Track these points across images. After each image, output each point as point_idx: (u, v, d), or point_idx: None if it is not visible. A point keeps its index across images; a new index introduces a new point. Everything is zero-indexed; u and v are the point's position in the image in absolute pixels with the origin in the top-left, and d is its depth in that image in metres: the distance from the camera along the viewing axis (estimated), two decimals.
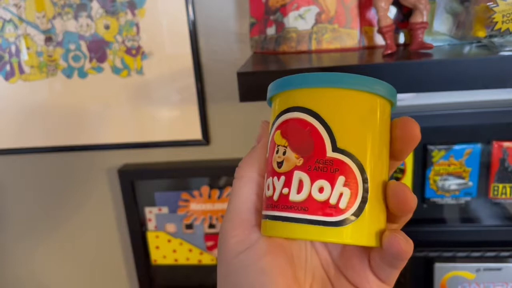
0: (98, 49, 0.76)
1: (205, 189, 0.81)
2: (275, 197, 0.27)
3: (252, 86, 0.51)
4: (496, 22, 0.47)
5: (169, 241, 0.85)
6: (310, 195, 0.26)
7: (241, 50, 0.74)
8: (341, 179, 0.26)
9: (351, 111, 0.26)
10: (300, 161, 0.26)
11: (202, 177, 0.81)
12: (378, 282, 0.30)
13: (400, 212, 0.27)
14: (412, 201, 0.26)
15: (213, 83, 0.76)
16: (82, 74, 0.78)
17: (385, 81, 0.28)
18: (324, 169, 0.26)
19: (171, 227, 0.85)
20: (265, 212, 0.28)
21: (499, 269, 0.74)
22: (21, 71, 0.79)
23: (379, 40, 0.59)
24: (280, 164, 0.27)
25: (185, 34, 0.73)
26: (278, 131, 0.28)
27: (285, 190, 0.26)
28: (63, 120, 0.81)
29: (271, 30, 0.62)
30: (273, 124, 0.29)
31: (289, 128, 0.27)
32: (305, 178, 0.26)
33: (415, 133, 0.28)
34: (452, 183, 0.72)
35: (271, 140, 0.28)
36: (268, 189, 0.27)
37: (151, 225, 0.85)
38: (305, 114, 0.27)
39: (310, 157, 0.26)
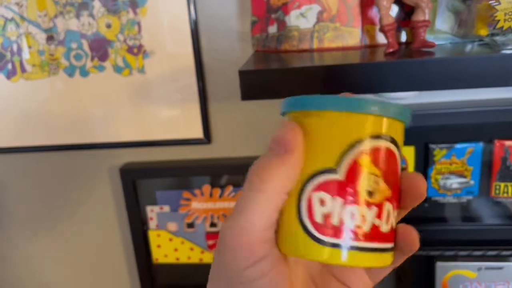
0: (99, 48, 0.76)
1: (206, 188, 0.81)
2: (366, 228, 0.26)
3: (254, 85, 0.51)
4: (498, 21, 0.47)
5: (170, 239, 0.86)
6: (391, 225, 0.27)
7: (242, 48, 0.74)
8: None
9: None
10: (389, 193, 0.26)
11: (203, 176, 0.81)
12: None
13: (414, 203, 0.28)
14: (425, 187, 0.27)
15: (215, 81, 0.76)
16: (84, 73, 0.78)
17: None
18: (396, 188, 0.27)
19: (172, 226, 0.85)
20: (349, 243, 0.26)
21: (500, 268, 0.74)
22: (23, 69, 0.79)
23: (381, 38, 0.59)
24: (371, 194, 0.26)
25: (187, 33, 0.73)
26: (369, 158, 0.26)
27: (377, 222, 0.26)
28: (64, 119, 0.81)
29: (272, 29, 0.62)
30: (350, 146, 0.26)
31: (381, 157, 0.26)
32: (391, 209, 0.27)
33: (421, 192, 0.27)
34: (454, 182, 0.72)
35: (352, 163, 0.26)
36: (352, 218, 0.26)
37: (152, 223, 0.85)
38: (393, 145, 0.27)
39: (396, 189, 0.27)
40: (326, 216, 0.26)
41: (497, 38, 0.48)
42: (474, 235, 0.72)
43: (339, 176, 0.26)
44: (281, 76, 0.48)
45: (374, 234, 0.26)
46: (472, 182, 0.72)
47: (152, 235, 0.86)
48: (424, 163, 0.73)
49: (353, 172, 0.26)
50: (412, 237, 0.28)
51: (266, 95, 0.51)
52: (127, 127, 0.80)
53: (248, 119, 0.78)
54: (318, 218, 0.26)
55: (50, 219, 0.90)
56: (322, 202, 0.26)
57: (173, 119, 0.78)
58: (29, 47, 0.77)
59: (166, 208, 0.84)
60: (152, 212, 0.85)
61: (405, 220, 0.29)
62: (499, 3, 0.47)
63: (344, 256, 0.26)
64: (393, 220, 0.27)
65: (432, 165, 0.72)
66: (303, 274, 0.31)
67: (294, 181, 0.26)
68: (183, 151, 0.81)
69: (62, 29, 0.76)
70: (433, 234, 0.73)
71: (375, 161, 0.26)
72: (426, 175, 0.73)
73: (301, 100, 0.28)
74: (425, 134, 0.71)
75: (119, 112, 0.79)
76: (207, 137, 0.78)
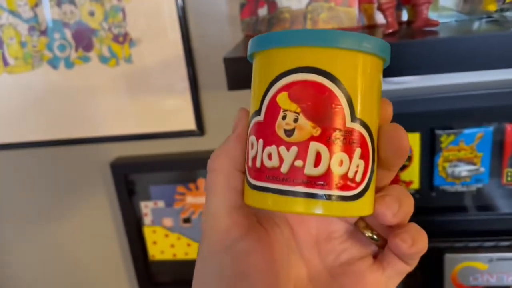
0: (83, 38, 0.72)
1: (201, 181, 0.77)
2: (284, 170, 0.23)
3: (241, 73, 0.47)
4: None
5: (166, 235, 0.82)
6: (329, 168, 0.23)
7: (234, 33, 0.69)
8: (358, 151, 0.24)
9: (366, 77, 0.24)
10: (317, 131, 0.23)
11: (197, 169, 0.77)
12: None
13: (396, 158, 0.25)
14: (407, 140, 0.25)
15: (206, 70, 0.72)
16: (69, 64, 0.74)
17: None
18: (344, 140, 0.23)
19: (168, 221, 0.82)
20: (264, 184, 0.24)
21: None
22: (5, 63, 0.75)
23: (379, 18, 0.54)
24: (289, 132, 0.23)
25: (174, 18, 0.69)
26: (284, 93, 0.24)
27: (298, 163, 0.23)
28: (50, 114, 0.77)
29: (262, 11, 0.57)
30: (270, 84, 0.24)
31: (300, 92, 0.23)
32: (324, 150, 0.23)
33: (402, 143, 0.25)
34: (463, 170, 0.67)
35: (270, 101, 0.24)
36: (270, 159, 0.24)
37: (147, 219, 0.82)
38: (321, 77, 0.23)
39: (329, 127, 0.23)
40: (253, 159, 0.25)
41: (507, 14, 0.44)
42: (484, 225, 0.68)
43: (261, 117, 0.25)
44: None
45: (293, 176, 0.23)
46: (482, 169, 0.67)
47: (148, 232, 0.83)
48: (430, 151, 0.68)
49: (270, 111, 0.24)
50: (399, 140, 0.25)
51: None
52: (115, 120, 0.76)
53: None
54: (249, 163, 0.25)
55: (41, 217, 0.87)
56: (252, 146, 0.25)
57: (163, 110, 0.74)
58: (11, 38, 0.73)
59: (161, 204, 0.81)
60: (147, 207, 0.81)
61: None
62: None
63: (269, 200, 0.24)
64: (326, 164, 0.23)
65: (439, 152, 0.67)
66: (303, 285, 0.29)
67: (238, 158, 0.27)
68: (176, 144, 0.77)
69: (44, 18, 0.72)
70: (441, 225, 0.69)
71: (291, 96, 0.24)
72: (432, 163, 0.68)
73: (251, 43, 0.27)
74: (430, 119, 0.67)
75: (107, 105, 0.75)
76: (200, 128, 0.74)
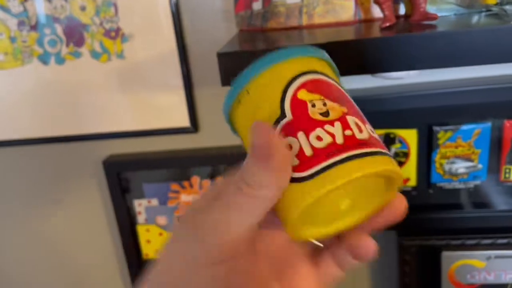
0: (74, 33, 0.71)
1: (195, 179, 0.76)
2: (339, 141, 0.25)
3: (235, 68, 0.46)
4: None
5: (160, 234, 0.81)
6: (369, 133, 0.26)
7: (228, 29, 0.68)
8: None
9: (334, 71, 0.33)
10: (345, 109, 0.27)
11: (191, 167, 0.76)
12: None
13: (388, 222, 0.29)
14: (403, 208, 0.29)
15: (200, 65, 0.70)
16: (60, 60, 0.72)
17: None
18: (359, 112, 0.28)
19: (162, 220, 0.81)
20: (327, 163, 0.25)
21: (511, 256, 0.69)
22: None
23: (377, 12, 0.53)
24: (325, 114, 0.26)
25: (167, 13, 0.68)
26: (303, 90, 0.27)
27: (348, 132, 0.26)
28: (41, 111, 0.76)
29: (257, 5, 0.56)
30: (284, 90, 0.28)
31: (315, 86, 0.28)
32: (358, 121, 0.26)
33: (398, 213, 0.29)
34: (460, 166, 0.67)
35: (292, 101, 0.27)
36: (321, 139, 0.25)
37: (141, 218, 0.81)
38: (321, 75, 0.29)
39: (351, 105, 0.28)
40: (299, 155, 0.26)
41: (507, 7, 0.43)
42: (482, 222, 0.67)
43: (288, 117, 0.27)
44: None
45: (351, 143, 0.25)
46: (480, 166, 0.66)
47: (141, 230, 0.81)
48: (427, 147, 0.67)
49: (296, 108, 0.27)
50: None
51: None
52: (108, 117, 0.74)
53: None
54: (295, 162, 0.26)
55: (34, 215, 0.85)
56: (289, 147, 0.26)
57: (157, 107, 0.73)
58: (0, 33, 0.72)
59: (155, 202, 0.79)
60: (140, 206, 0.80)
61: (409, 207, 0.29)
62: None
63: (334, 175, 0.24)
64: (367, 131, 0.26)
65: (436, 149, 0.66)
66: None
67: (284, 184, 0.25)
68: (169, 141, 0.76)
69: (33, 13, 0.70)
70: (438, 222, 0.68)
71: (310, 90, 0.27)
72: (430, 160, 0.67)
73: (235, 83, 0.30)
74: (428, 115, 0.66)
75: (99, 101, 0.74)
76: (194, 125, 0.73)
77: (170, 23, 0.68)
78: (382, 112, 0.65)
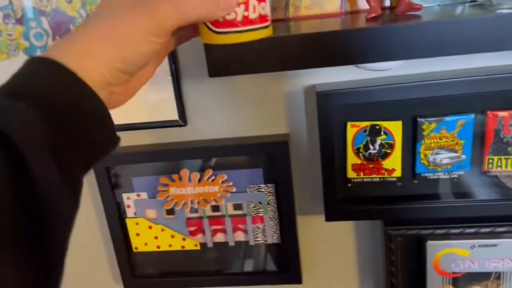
0: (61, 26, 0.70)
1: (184, 172, 0.76)
2: (239, 19, 0.41)
3: (223, 59, 0.46)
4: None
5: (150, 227, 0.81)
6: (259, 13, 0.42)
7: None
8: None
9: None
10: None
11: (180, 160, 0.76)
12: None
13: None
14: None
15: (188, 58, 0.71)
16: None
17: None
18: None
19: (151, 213, 0.81)
20: (226, 29, 0.41)
21: (495, 245, 0.71)
22: None
23: (362, 4, 0.54)
24: None
25: None
26: None
27: (246, 13, 0.41)
28: None
29: None
30: None
31: None
32: (256, 4, 0.41)
33: None
34: (444, 157, 0.68)
35: None
36: (229, 14, 0.40)
37: (130, 211, 0.81)
38: None
39: None
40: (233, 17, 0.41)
41: None
42: (466, 212, 0.69)
43: None
44: (253, 48, 0.43)
45: (245, 21, 0.41)
46: (463, 156, 0.68)
47: (131, 224, 0.82)
48: (412, 138, 0.68)
49: None
50: None
51: (237, 71, 0.46)
52: None
53: (226, 97, 0.73)
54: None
55: None
56: None
57: (145, 101, 0.73)
58: None
59: (144, 195, 0.79)
60: (129, 199, 0.80)
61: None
62: None
63: (227, 38, 0.42)
64: (258, 11, 0.41)
65: (420, 140, 0.67)
66: None
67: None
68: (158, 135, 0.76)
69: (19, 6, 0.69)
70: (423, 212, 0.70)
71: None
72: (414, 151, 0.69)
73: None
74: (412, 107, 0.67)
75: None
76: (183, 118, 0.73)
77: None
78: (367, 104, 0.66)
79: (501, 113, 0.65)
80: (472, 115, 0.66)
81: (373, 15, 0.47)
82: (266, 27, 0.43)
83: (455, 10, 0.47)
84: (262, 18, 0.42)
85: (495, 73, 0.62)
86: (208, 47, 0.46)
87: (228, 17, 0.40)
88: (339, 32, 0.45)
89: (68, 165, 0.31)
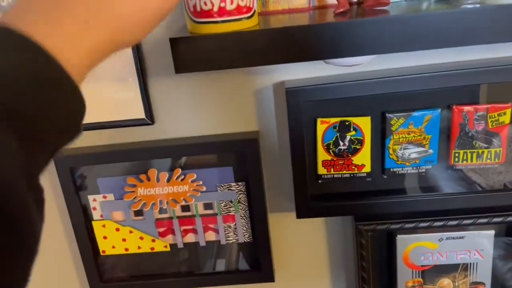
0: None
1: (152, 172, 0.74)
2: (215, 9, 0.43)
3: (189, 54, 0.45)
4: None
5: (117, 229, 0.79)
6: (237, 5, 0.43)
7: (181, 15, 0.66)
8: None
9: None
10: None
11: (148, 160, 0.74)
12: None
13: None
14: None
15: (153, 56, 0.69)
16: None
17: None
18: None
19: (118, 215, 0.78)
20: (203, 19, 0.44)
21: (462, 237, 0.72)
22: None
23: None
24: None
25: None
26: None
27: (222, 4, 0.42)
28: None
29: None
30: None
31: None
32: None
33: None
34: (412, 152, 0.69)
35: None
36: (206, 5, 0.42)
37: (96, 214, 0.78)
38: None
39: None
40: (194, 6, 0.44)
41: None
42: (434, 205, 0.70)
43: None
44: (220, 43, 0.42)
45: (222, 12, 0.43)
46: (430, 151, 0.69)
47: (97, 226, 0.79)
48: (381, 134, 0.69)
49: None
50: None
51: (204, 66, 0.45)
52: None
53: (194, 95, 0.71)
54: (191, 8, 0.44)
55: None
56: None
57: (111, 99, 0.71)
58: None
59: (110, 197, 0.77)
60: (95, 201, 0.78)
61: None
62: None
63: (208, 27, 0.44)
64: (236, 3, 0.43)
65: (389, 136, 0.68)
66: None
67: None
68: (124, 134, 0.74)
69: None
70: (393, 206, 0.70)
71: None
72: (384, 146, 0.69)
73: None
74: (381, 103, 0.67)
75: None
76: (150, 117, 0.72)
77: None
78: (337, 100, 0.66)
79: (466, 108, 0.66)
80: (439, 110, 0.67)
81: (341, 10, 0.47)
82: (248, 17, 0.43)
83: (421, 5, 0.47)
84: (241, 9, 0.42)
85: (460, 68, 0.62)
86: (175, 43, 0.44)
87: (205, 8, 0.42)
88: (306, 26, 0.44)
89: (35, 174, 0.27)
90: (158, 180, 0.75)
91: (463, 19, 0.41)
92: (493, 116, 0.66)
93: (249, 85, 0.70)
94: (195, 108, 0.72)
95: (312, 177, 0.72)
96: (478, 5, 0.43)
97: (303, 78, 0.69)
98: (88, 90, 0.70)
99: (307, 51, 0.43)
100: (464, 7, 0.41)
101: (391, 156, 0.69)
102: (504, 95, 0.67)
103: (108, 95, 0.70)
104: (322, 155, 0.70)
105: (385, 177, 0.71)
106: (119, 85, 0.70)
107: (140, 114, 0.71)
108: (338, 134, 0.69)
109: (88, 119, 0.71)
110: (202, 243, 0.79)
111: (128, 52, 0.67)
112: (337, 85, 0.64)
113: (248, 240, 0.79)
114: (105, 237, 0.80)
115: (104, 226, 0.79)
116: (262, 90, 0.71)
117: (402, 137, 0.68)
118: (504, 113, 0.66)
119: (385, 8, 0.46)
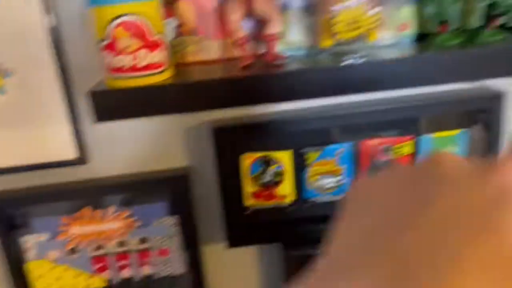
0: None
1: (86, 210, 0.77)
2: (128, 66, 0.50)
3: (108, 105, 0.49)
4: (339, 32, 0.50)
5: (52, 268, 0.80)
6: (148, 61, 0.50)
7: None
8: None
9: None
10: (142, 43, 0.50)
11: (82, 199, 0.77)
12: None
13: None
14: None
15: (84, 97, 0.72)
16: None
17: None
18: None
19: (53, 254, 0.80)
20: (118, 74, 0.51)
21: None
22: None
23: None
24: (127, 47, 0.50)
25: (48, 47, 0.69)
26: (120, 28, 0.50)
27: (135, 62, 0.49)
28: None
29: None
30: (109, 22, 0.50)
31: (128, 26, 0.49)
32: (147, 52, 0.50)
33: None
34: (328, 182, 0.75)
35: (111, 32, 0.50)
36: (120, 62, 0.50)
37: (31, 254, 0.79)
38: (137, 16, 0.50)
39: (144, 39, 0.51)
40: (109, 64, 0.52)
41: (340, 48, 0.51)
42: None
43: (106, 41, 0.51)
44: (133, 96, 0.47)
45: (134, 68, 0.50)
46: (345, 180, 0.75)
47: (32, 266, 0.80)
48: (300, 167, 0.75)
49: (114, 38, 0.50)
50: None
51: (121, 115, 0.49)
52: None
53: (125, 134, 0.75)
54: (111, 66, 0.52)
55: None
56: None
57: (42, 140, 0.73)
58: None
59: (45, 236, 0.78)
60: (29, 241, 0.79)
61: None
62: (337, 16, 0.49)
63: (125, 81, 0.51)
64: (147, 59, 0.50)
65: (306, 168, 0.74)
66: None
67: None
68: (58, 174, 0.76)
69: None
70: (314, 233, 0.76)
71: (125, 28, 0.49)
72: (303, 178, 0.75)
73: None
74: (298, 138, 0.74)
75: None
76: (82, 157, 0.74)
77: (51, 57, 0.69)
78: (259, 136, 0.72)
79: (373, 141, 0.74)
80: (351, 143, 0.74)
81: (246, 63, 0.53)
82: (160, 72, 0.50)
83: (317, 58, 0.54)
84: (152, 65, 0.49)
85: (367, 107, 0.70)
86: (94, 95, 0.49)
87: (119, 65, 0.49)
88: (219, 80, 0.50)
89: None
90: (92, 218, 0.77)
91: (341, 73, 0.48)
92: (396, 148, 0.74)
93: (179, 124, 0.75)
94: (127, 147, 0.76)
95: (240, 208, 0.77)
96: (361, 60, 0.50)
97: (230, 117, 0.74)
98: (21, 134, 0.73)
99: (211, 102, 0.49)
100: (344, 63, 0.49)
101: (310, 187, 0.76)
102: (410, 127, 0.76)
103: (40, 138, 0.73)
104: (249, 187, 0.76)
105: (306, 206, 0.77)
106: (51, 128, 0.72)
107: (72, 154, 0.74)
108: (261, 168, 0.74)
109: (21, 161, 0.73)
110: (137, 278, 0.82)
111: (60, 97, 0.70)
112: (259, 123, 0.70)
113: (183, 272, 0.82)
114: (40, 276, 0.80)
115: (39, 265, 0.80)
116: (192, 128, 0.75)
117: (318, 169, 0.74)
118: (406, 145, 0.74)
119: (282, 62, 0.53)
